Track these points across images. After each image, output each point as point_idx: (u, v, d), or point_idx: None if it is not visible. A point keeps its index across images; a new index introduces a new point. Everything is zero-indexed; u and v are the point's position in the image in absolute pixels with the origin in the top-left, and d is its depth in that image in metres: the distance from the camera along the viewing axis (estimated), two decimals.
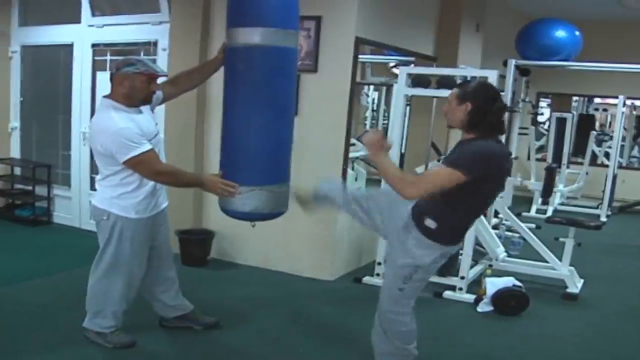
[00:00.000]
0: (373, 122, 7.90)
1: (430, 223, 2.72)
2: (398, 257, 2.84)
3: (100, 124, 3.04)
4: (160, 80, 3.19)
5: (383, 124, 7.60)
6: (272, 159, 3.07)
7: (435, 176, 2.65)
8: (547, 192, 5.79)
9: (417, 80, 4.54)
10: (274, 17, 2.90)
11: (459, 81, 4.20)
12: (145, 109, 3.17)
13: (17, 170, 6.34)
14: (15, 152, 6.37)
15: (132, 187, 3.12)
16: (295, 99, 3.16)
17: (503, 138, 5.44)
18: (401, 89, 4.58)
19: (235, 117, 3.04)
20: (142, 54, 5.27)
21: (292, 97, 3.14)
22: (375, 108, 7.91)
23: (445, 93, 4.35)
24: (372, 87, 7.69)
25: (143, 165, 3.01)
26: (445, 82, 4.40)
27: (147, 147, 3.00)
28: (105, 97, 3.11)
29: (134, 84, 3.03)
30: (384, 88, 7.48)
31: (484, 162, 2.59)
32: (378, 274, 4.69)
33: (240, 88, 2.99)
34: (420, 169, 4.87)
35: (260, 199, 3.02)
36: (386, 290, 2.92)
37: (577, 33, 6.57)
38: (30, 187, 6.06)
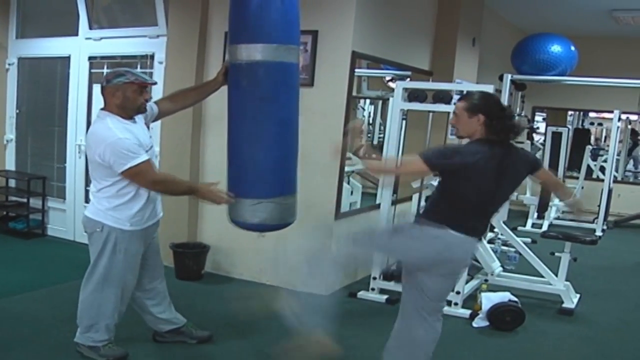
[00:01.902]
0: (369, 135, 7.90)
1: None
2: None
3: (98, 134, 3.04)
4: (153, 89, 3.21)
5: (379, 137, 7.60)
6: (278, 171, 3.13)
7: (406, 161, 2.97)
8: (543, 206, 5.80)
9: (414, 95, 4.56)
10: (275, 33, 2.94)
11: (455, 96, 4.23)
12: (138, 119, 3.18)
13: (12, 183, 6.32)
14: (10, 164, 6.34)
15: (127, 199, 3.12)
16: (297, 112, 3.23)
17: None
18: (397, 104, 4.60)
19: (241, 131, 3.09)
20: (139, 66, 5.28)
21: (295, 110, 3.20)
22: (370, 121, 7.92)
23: (441, 107, 4.44)
24: (367, 100, 7.70)
25: (140, 175, 3.03)
26: (441, 96, 4.44)
27: (145, 157, 3.02)
28: (102, 109, 3.13)
29: (125, 94, 3.05)
30: (380, 102, 7.49)
31: (444, 156, 2.72)
32: (373, 289, 4.68)
33: (245, 104, 3.03)
34: (415, 184, 4.87)
35: (267, 211, 3.09)
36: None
37: (572, 48, 6.61)
38: (24, 200, 6.03)
